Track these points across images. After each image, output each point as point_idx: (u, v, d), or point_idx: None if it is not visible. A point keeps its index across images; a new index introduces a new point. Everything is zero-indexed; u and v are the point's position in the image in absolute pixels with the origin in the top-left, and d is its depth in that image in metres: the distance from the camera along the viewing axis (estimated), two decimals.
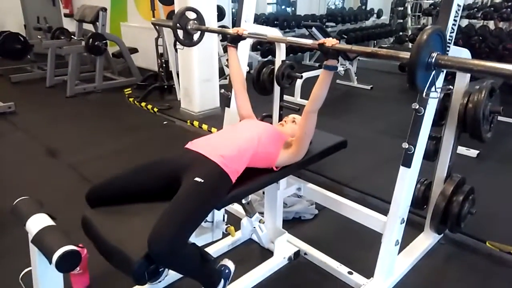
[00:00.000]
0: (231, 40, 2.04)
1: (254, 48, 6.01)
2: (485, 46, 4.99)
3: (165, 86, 4.95)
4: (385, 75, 6.22)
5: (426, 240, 2.17)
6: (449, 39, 1.54)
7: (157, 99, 4.81)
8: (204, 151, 1.62)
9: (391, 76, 6.08)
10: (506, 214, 2.43)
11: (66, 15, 7.41)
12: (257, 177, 1.76)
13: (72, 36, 5.47)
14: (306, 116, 1.75)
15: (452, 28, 1.54)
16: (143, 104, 4.66)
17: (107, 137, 3.80)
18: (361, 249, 2.17)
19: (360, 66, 5.80)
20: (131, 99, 4.88)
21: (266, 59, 3.00)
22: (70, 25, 6.89)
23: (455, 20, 1.53)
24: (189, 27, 2.16)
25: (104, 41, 5.13)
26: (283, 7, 9.73)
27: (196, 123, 3.98)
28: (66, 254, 1.18)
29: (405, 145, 1.63)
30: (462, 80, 1.86)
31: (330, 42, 1.54)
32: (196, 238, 1.66)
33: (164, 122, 4.23)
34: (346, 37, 7.27)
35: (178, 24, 2.15)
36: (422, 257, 2.09)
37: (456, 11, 1.52)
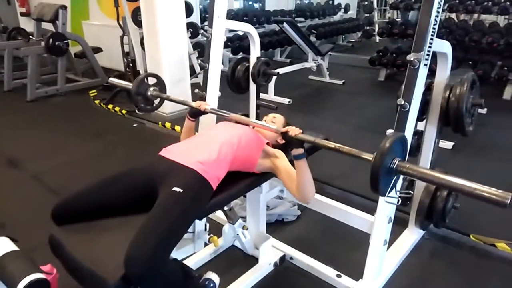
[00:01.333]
0: (192, 114, 1.87)
1: (224, 44, 5.88)
2: (452, 38, 5.09)
3: None
4: (356, 70, 6.25)
5: (411, 236, 2.15)
6: (432, 31, 1.49)
7: (124, 101, 4.57)
8: (181, 159, 1.50)
9: (362, 70, 6.12)
10: (486, 206, 2.44)
11: (22, 14, 7.00)
12: (239, 182, 1.67)
13: (30, 37, 5.15)
14: (298, 196, 1.59)
15: (435, 20, 1.49)
16: (110, 106, 4.44)
17: (73, 143, 3.58)
18: (347, 249, 2.12)
19: (331, 61, 5.79)
20: (97, 102, 4.64)
21: (239, 56, 2.89)
22: (27, 24, 6.52)
23: (437, 12, 1.48)
24: (149, 93, 2.02)
25: (65, 41, 4.86)
26: (250, 2, 9.63)
27: (168, 125, 3.82)
28: (32, 283, 1.04)
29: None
30: (443, 73, 1.83)
31: (294, 131, 1.46)
32: (177, 251, 1.56)
33: (134, 125, 4.04)
34: (315, 32, 7.26)
35: (138, 91, 2.00)
36: (409, 253, 2.06)
37: (439, 2, 1.48)
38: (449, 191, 1.94)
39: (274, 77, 4.63)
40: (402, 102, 1.53)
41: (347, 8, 8.84)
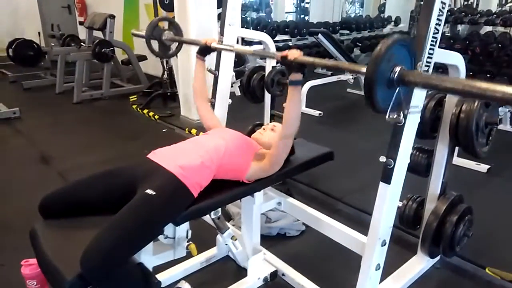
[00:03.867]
0: (199, 51, 1.91)
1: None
2: (504, 54, 4.72)
3: (169, 93, 4.89)
4: None
5: (419, 263, 1.97)
6: (432, 41, 1.38)
7: (159, 106, 4.76)
8: (163, 161, 1.50)
9: None
10: (505, 235, 2.20)
11: (81, 23, 7.55)
12: (226, 190, 1.64)
13: (82, 44, 5.52)
14: (280, 142, 1.59)
15: (435, 28, 1.37)
16: (145, 111, 4.62)
17: (104, 145, 3.75)
18: (347, 271, 1.96)
19: None
20: (134, 106, 4.84)
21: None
22: (85, 33, 7.00)
23: (438, 20, 1.36)
24: (164, 38, 2.07)
25: (111, 48, 5.14)
26: (302, 16, 9.65)
27: (194, 131, 3.89)
28: None
29: (383, 158, 1.46)
30: None
31: (293, 54, 1.41)
32: (154, 256, 1.55)
33: (164, 130, 4.16)
34: (360, 45, 7.09)
35: (152, 35, 2.08)
36: (413, 282, 1.89)
37: (440, 9, 1.36)
38: (460, 216, 1.76)
39: (306, 88, 4.59)
40: (395, 116, 1.41)
41: (397, 21, 8.53)
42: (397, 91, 1.06)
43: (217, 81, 2.27)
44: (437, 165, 1.80)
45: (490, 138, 1.71)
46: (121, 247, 1.21)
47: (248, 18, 7.75)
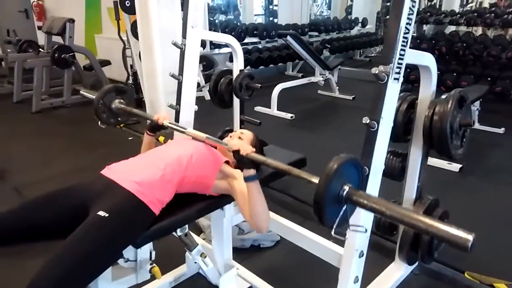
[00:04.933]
0: (149, 128, 1.78)
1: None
2: (469, 53, 4.81)
3: (135, 99, 4.69)
4: (370, 85, 5.96)
5: (398, 270, 1.91)
6: (403, 42, 1.30)
7: None
8: (117, 178, 1.37)
9: (374, 85, 5.86)
10: (488, 239, 2.17)
11: (39, 28, 7.18)
12: (192, 205, 1.52)
13: (40, 49, 5.23)
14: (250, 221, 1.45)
15: (406, 28, 1.30)
16: None
17: (64, 156, 3.53)
18: (326, 283, 1.88)
19: (345, 76, 5.58)
20: None
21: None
22: (44, 38, 6.66)
23: (409, 19, 1.30)
24: (113, 106, 1.93)
25: (71, 54, 4.89)
26: (271, 18, 9.59)
27: (161, 138, 3.71)
28: None
29: None
30: (427, 89, 1.63)
31: (245, 150, 1.32)
32: (113, 283, 1.40)
33: (129, 138, 3.97)
34: (329, 46, 7.09)
35: (102, 102, 1.91)
36: None
37: (410, 8, 1.29)
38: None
39: (277, 91, 4.51)
40: (368, 121, 1.33)
41: (364, 23, 8.62)
42: (344, 208, 1.05)
43: (181, 87, 2.14)
44: (412, 168, 1.74)
45: (464, 139, 1.66)
46: (71, 277, 1.07)
47: (217, 21, 7.63)
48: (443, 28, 5.78)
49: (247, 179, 1.36)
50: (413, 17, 1.32)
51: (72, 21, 4.96)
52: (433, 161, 2.98)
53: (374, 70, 1.30)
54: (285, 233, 1.82)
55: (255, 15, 9.20)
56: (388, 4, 8.23)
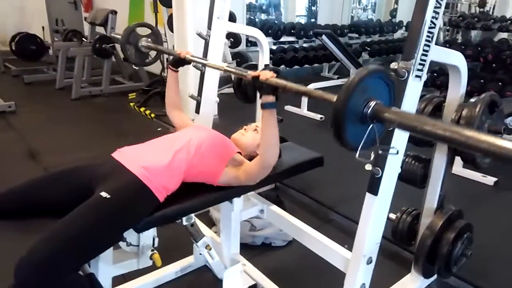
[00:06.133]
0: (172, 62, 1.77)
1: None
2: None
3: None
4: None
5: (413, 283, 1.79)
6: (428, 36, 1.22)
7: (157, 105, 4.63)
8: (126, 161, 1.37)
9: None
10: (506, 254, 2.01)
11: (86, 19, 7.50)
12: (198, 195, 1.49)
13: (83, 39, 5.44)
14: (259, 168, 1.42)
15: (431, 22, 1.21)
16: (142, 109, 4.51)
17: (94, 142, 3.64)
18: None
19: None
20: (131, 104, 4.74)
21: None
22: (88, 28, 6.94)
23: (435, 12, 1.21)
24: (140, 44, 1.96)
25: (112, 44, 5.04)
26: (312, 20, 9.50)
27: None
28: None
29: (368, 166, 1.29)
30: (455, 91, 1.51)
31: (265, 75, 1.27)
32: (114, 266, 1.41)
33: (158, 129, 4.04)
34: (369, 49, 6.90)
35: (127, 41, 1.97)
36: None
37: (437, 1, 1.20)
38: (458, 233, 1.59)
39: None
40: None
41: (408, 26, 8.31)
42: (370, 127, 0.94)
43: (203, 78, 2.14)
44: (434, 176, 1.63)
45: None
46: (64, 255, 1.07)
47: (257, 20, 7.64)
48: (492, 35, 5.46)
49: (265, 106, 1.31)
50: (441, 11, 1.22)
51: (114, 12, 5.12)
52: (466, 172, 2.81)
53: (394, 65, 1.22)
54: (294, 233, 1.76)
55: (297, 16, 9.14)
56: None
